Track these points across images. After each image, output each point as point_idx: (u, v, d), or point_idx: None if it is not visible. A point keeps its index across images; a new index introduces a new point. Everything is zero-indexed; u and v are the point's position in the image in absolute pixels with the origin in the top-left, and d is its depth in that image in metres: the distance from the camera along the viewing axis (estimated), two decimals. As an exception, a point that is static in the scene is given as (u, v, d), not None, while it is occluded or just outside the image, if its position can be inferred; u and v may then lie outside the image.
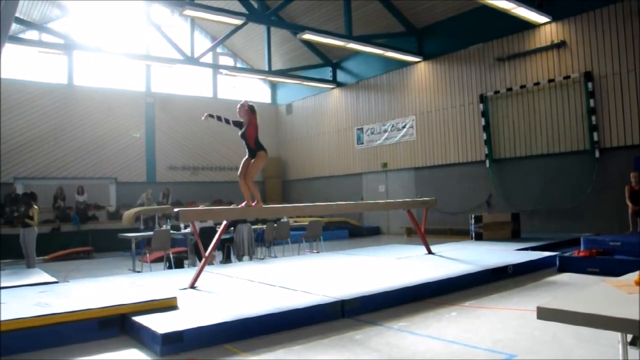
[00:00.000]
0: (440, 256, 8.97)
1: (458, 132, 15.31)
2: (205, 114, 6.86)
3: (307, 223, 12.13)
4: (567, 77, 12.64)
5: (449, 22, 15.40)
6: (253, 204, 6.94)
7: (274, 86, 22.64)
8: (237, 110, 6.79)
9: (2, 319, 4.45)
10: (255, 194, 6.90)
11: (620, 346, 2.51)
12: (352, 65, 18.98)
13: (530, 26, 13.29)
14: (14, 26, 13.99)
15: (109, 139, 18.10)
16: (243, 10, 14.07)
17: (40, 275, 7.38)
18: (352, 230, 17.41)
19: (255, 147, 6.70)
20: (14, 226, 13.08)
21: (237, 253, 10.30)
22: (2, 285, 6.43)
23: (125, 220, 12.73)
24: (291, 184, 22.01)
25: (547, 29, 13.13)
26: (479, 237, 11.81)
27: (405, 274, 7.11)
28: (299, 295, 5.80)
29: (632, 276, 3.20)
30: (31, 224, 9.49)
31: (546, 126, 13.17)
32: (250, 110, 6.72)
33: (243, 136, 6.75)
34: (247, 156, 6.80)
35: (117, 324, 4.95)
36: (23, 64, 16.60)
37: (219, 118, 6.77)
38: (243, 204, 6.93)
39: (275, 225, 11.29)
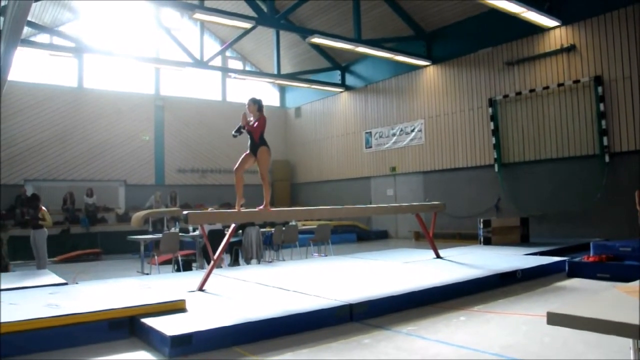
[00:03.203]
0: (449, 260, 8.93)
1: (467, 136, 15.26)
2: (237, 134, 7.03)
3: (315, 226, 12.13)
4: (576, 82, 12.58)
5: (458, 26, 15.38)
6: (261, 207, 6.96)
7: (282, 89, 22.69)
8: (247, 106, 6.92)
9: (14, 319, 4.49)
10: (266, 195, 6.93)
11: (631, 352, 2.49)
12: (360, 69, 19.00)
13: (540, 30, 13.24)
14: (26, 29, 14.14)
15: (119, 141, 18.21)
16: (252, 13, 14.13)
17: (49, 277, 7.42)
18: (360, 234, 17.38)
19: (258, 142, 6.79)
20: (25, 228, 13.17)
21: (246, 256, 10.31)
22: (13, 286, 6.49)
23: (134, 222, 12.78)
24: (300, 187, 22.03)
25: (557, 33, 13.08)
26: (487, 242, 11.74)
27: (413, 278, 7.09)
28: (307, 298, 5.80)
29: (643, 282, 3.18)
30: (45, 225, 9.54)
31: (555, 130, 13.11)
32: (258, 107, 6.87)
33: (249, 130, 6.84)
34: (247, 151, 6.86)
35: (126, 326, 4.97)
36: (34, 66, 16.77)
37: (239, 130, 6.96)
38: (260, 208, 6.96)
39: (283, 228, 11.30)
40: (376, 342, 4.58)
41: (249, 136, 6.88)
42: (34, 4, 12.66)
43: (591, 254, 8.18)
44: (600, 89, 12.15)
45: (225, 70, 19.57)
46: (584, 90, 12.56)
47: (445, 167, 15.91)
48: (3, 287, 6.29)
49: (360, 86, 19.05)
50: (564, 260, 8.22)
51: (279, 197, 21.14)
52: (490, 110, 14.42)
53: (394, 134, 17.63)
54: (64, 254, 13.25)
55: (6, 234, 10.66)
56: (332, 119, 20.34)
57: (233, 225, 7.02)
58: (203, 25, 19.04)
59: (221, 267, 9.46)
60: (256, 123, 6.81)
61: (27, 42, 13.74)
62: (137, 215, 12.98)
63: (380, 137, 18.14)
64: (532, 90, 13.47)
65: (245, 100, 7.02)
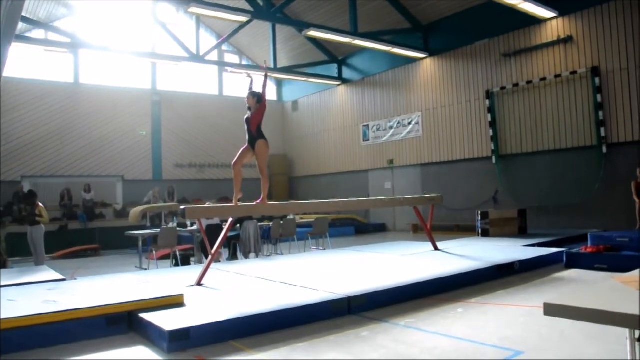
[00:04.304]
0: (447, 253, 8.94)
1: (464, 128, 15.25)
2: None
3: (313, 220, 12.13)
4: (574, 73, 12.57)
5: (454, 18, 15.34)
6: (259, 201, 6.95)
7: (279, 83, 22.64)
8: (246, 99, 6.88)
9: (11, 316, 4.49)
10: (263, 189, 6.89)
11: (628, 342, 2.49)
12: (357, 62, 18.95)
13: (537, 21, 13.21)
14: (21, 25, 14.07)
15: (116, 137, 18.17)
16: (248, 7, 14.07)
17: (48, 273, 7.41)
18: (359, 227, 17.40)
19: (256, 135, 6.72)
20: (22, 224, 13.15)
21: (244, 250, 10.31)
22: (11, 282, 6.48)
23: (132, 218, 12.79)
24: (297, 181, 22.02)
25: (554, 24, 13.05)
26: (485, 234, 11.76)
27: (411, 270, 7.10)
28: (305, 292, 5.80)
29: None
30: (42, 221, 9.52)
31: (553, 122, 13.10)
32: (257, 99, 6.79)
33: (247, 121, 6.80)
34: (246, 144, 6.82)
35: (125, 321, 4.96)
36: (30, 62, 16.69)
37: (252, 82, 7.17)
38: (257, 202, 6.94)
39: (281, 222, 11.30)
40: (374, 334, 4.59)
41: (246, 129, 6.84)
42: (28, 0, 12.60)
43: (589, 245, 8.19)
44: (597, 80, 12.14)
45: (221, 64, 19.54)
46: (581, 82, 12.55)
47: (443, 159, 15.91)
48: (1, 283, 6.28)
49: (357, 79, 19.01)
50: (562, 252, 8.23)
51: (277, 191, 21.14)
52: (487, 102, 14.40)
53: (391, 127, 17.62)
54: (62, 250, 13.23)
55: (4, 231, 10.64)
56: (329, 113, 20.31)
57: (231, 220, 7.01)
58: (199, 19, 18.93)
59: (219, 261, 9.46)
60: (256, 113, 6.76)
61: (21, 38, 13.65)
62: (135, 211, 13.00)
63: (378, 130, 18.12)
64: (529, 82, 13.45)
65: (244, 94, 6.99)
